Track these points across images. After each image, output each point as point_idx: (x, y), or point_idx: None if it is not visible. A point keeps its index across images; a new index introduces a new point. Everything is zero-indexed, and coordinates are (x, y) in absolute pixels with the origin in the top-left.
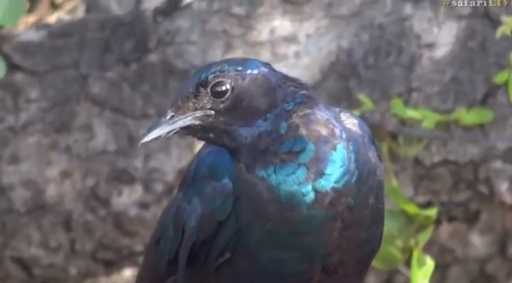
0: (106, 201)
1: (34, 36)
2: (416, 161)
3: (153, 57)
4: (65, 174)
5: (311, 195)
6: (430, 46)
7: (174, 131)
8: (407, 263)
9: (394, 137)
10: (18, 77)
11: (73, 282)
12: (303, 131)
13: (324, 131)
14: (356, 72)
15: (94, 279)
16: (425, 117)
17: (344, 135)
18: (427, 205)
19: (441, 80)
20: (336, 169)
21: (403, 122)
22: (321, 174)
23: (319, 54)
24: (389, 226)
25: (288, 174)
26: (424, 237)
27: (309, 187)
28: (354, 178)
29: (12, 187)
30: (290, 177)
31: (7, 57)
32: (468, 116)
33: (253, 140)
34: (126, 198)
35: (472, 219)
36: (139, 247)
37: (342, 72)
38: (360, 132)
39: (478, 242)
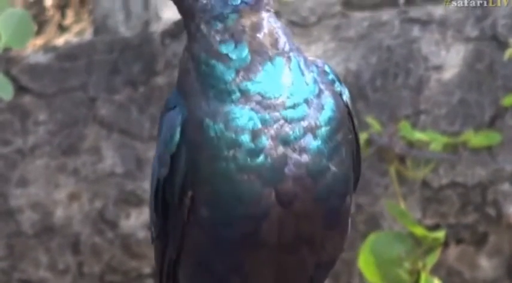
0: (114, 224)
1: (42, 58)
2: (424, 183)
3: (160, 80)
4: (73, 197)
5: (236, 94)
6: (438, 68)
7: None
8: None
9: (402, 159)
10: (26, 99)
11: None
12: (247, 38)
13: (267, 41)
14: (364, 94)
15: None
16: (433, 140)
17: (287, 47)
18: (435, 227)
19: (449, 102)
20: (266, 80)
21: (411, 144)
22: (248, 79)
23: None
24: (397, 248)
25: (217, 73)
26: (432, 259)
27: (235, 88)
28: (289, 89)
29: (20, 210)
30: (218, 75)
31: (15, 80)
32: (476, 138)
33: (202, 7)
34: (134, 221)
35: (480, 241)
36: (147, 270)
37: (350, 95)
38: (319, 65)
39: (486, 265)
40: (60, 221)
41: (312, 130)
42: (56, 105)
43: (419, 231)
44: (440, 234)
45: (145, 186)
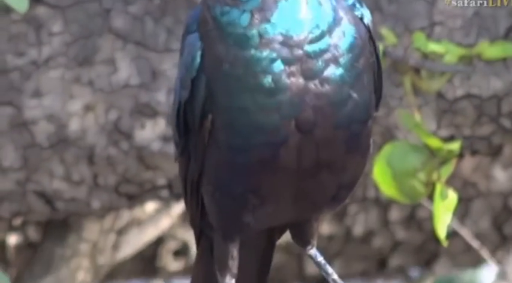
0: (129, 135)
1: None
2: (439, 95)
3: None
4: (88, 108)
5: (256, 39)
6: None
7: None
8: (430, 197)
9: (416, 71)
10: (41, 10)
11: (96, 216)
12: None
13: None
14: (379, 6)
15: (116, 213)
16: (448, 51)
17: None
18: (450, 139)
19: (464, 14)
20: (284, 18)
21: (425, 56)
22: (266, 21)
23: None
24: (412, 160)
25: (234, 18)
26: (447, 170)
27: (254, 31)
28: (309, 23)
29: (34, 121)
30: (235, 21)
31: None
32: (491, 50)
33: None
34: (149, 132)
35: (495, 152)
36: (161, 181)
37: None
38: None
39: (501, 176)
40: (75, 132)
41: (334, 60)
42: (71, 17)
43: (434, 142)
44: (456, 146)
45: (160, 98)
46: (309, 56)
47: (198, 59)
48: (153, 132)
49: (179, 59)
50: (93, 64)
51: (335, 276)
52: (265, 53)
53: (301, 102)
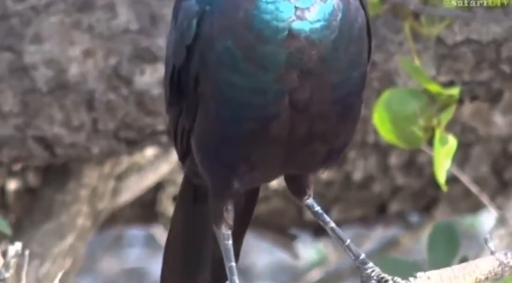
0: (128, 80)
1: None
2: (439, 40)
3: None
4: (88, 53)
5: (284, 34)
6: None
7: None
8: (430, 143)
9: (416, 16)
10: None
11: (95, 161)
12: None
13: None
14: None
15: (116, 158)
16: None
17: None
18: (450, 84)
19: None
20: (317, 22)
21: (425, 1)
22: (302, 18)
23: None
24: (411, 105)
25: (276, 8)
26: (447, 116)
27: (286, 25)
28: (333, 36)
29: (34, 66)
30: (275, 11)
31: None
32: None
33: None
34: (149, 77)
35: (494, 98)
36: (161, 127)
37: None
38: None
39: (500, 121)
40: (74, 78)
41: (344, 56)
42: None
43: (434, 87)
44: (455, 91)
45: (160, 43)
46: (323, 60)
47: (195, 27)
48: (153, 77)
49: (172, 20)
50: (92, 9)
51: (332, 225)
52: (280, 51)
53: (295, 90)
